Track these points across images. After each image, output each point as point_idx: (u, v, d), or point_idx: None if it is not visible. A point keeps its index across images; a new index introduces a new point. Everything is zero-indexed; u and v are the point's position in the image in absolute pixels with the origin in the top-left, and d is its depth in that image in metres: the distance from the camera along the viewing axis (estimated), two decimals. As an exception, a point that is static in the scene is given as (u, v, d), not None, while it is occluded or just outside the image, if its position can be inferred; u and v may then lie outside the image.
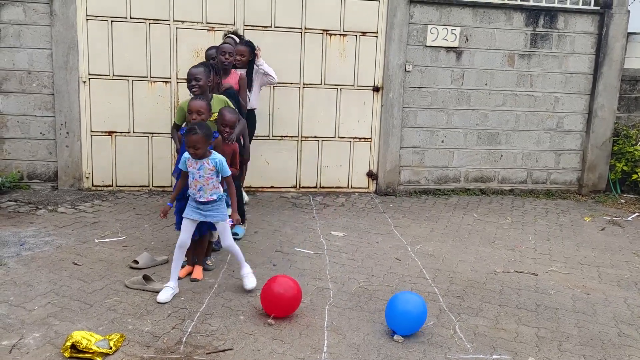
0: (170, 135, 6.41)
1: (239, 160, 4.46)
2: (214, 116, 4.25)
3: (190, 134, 3.58)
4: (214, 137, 3.93)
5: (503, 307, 3.85)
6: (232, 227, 4.03)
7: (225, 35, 5.47)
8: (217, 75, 4.46)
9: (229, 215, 3.89)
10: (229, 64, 4.94)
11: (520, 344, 3.35)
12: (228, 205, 3.98)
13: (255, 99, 5.62)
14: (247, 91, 5.32)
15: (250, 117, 5.54)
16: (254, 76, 5.50)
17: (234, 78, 5.04)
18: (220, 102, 4.37)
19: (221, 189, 3.81)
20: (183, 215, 3.80)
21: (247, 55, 5.37)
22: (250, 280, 3.89)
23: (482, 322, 3.62)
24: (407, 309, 3.29)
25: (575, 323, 3.67)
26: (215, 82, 4.43)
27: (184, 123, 4.27)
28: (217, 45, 5.16)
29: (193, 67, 4.26)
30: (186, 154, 3.73)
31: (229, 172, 3.81)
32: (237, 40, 5.44)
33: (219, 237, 4.02)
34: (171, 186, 6.53)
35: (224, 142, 4.18)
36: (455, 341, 3.35)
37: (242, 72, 5.21)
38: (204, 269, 4.17)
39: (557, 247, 5.24)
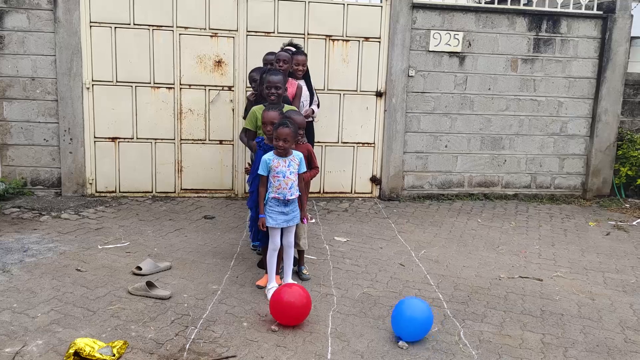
0: (169, 141, 6.43)
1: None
2: None
3: (283, 127, 3.70)
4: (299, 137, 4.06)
5: (508, 313, 3.83)
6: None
7: (283, 45, 5.46)
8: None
9: (302, 215, 4.04)
10: (284, 72, 4.89)
11: (526, 351, 3.33)
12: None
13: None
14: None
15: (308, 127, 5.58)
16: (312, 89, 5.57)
17: (292, 87, 5.03)
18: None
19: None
20: (269, 225, 3.83)
21: (306, 65, 5.41)
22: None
23: (487, 328, 3.60)
24: (414, 315, 3.28)
25: (580, 329, 3.65)
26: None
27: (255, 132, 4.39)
28: (275, 51, 5.17)
29: (272, 73, 4.26)
30: (267, 156, 3.79)
31: (305, 168, 3.97)
32: (294, 50, 5.43)
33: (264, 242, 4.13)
34: (174, 192, 6.53)
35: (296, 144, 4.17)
36: (460, 348, 3.32)
37: (300, 81, 5.21)
38: (303, 279, 4.24)
39: (561, 252, 5.22)
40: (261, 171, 3.81)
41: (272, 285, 3.86)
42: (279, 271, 4.14)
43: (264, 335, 3.34)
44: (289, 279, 3.97)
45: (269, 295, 3.71)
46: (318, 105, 5.70)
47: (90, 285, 3.93)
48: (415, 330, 3.29)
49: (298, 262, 4.36)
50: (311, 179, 4.35)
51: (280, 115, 3.98)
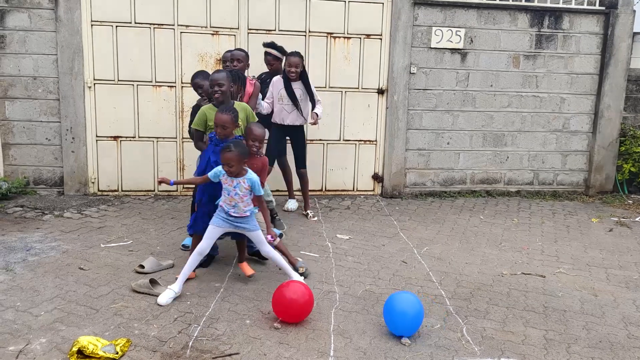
0: (170, 139, 6.43)
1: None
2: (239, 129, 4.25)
3: (226, 151, 3.64)
4: (236, 138, 3.95)
5: (510, 310, 3.82)
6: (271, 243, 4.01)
7: (264, 45, 5.43)
8: (238, 82, 4.45)
9: (268, 232, 3.96)
10: (240, 70, 4.89)
11: (529, 347, 3.33)
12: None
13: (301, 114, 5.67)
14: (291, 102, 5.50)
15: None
16: (312, 90, 5.63)
17: (248, 86, 4.99)
18: (241, 110, 4.28)
19: (252, 205, 3.86)
20: (211, 223, 3.82)
21: (301, 65, 5.45)
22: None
23: (490, 324, 3.59)
24: (402, 308, 3.27)
25: (583, 325, 3.64)
26: (236, 89, 4.42)
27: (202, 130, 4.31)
28: (234, 49, 5.16)
29: (215, 72, 4.25)
30: (220, 169, 3.76)
31: (262, 192, 3.87)
32: (276, 53, 5.41)
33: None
34: (176, 190, 6.53)
35: (251, 156, 4.10)
36: (463, 344, 3.32)
37: (256, 80, 5.17)
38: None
39: (564, 249, 5.21)
40: (211, 175, 3.79)
41: (174, 288, 3.74)
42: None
43: (267, 332, 3.35)
44: (293, 276, 3.93)
45: (161, 300, 3.64)
46: (319, 102, 5.73)
47: (93, 284, 3.94)
48: (407, 324, 3.28)
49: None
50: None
51: (232, 119, 3.88)
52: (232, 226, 3.83)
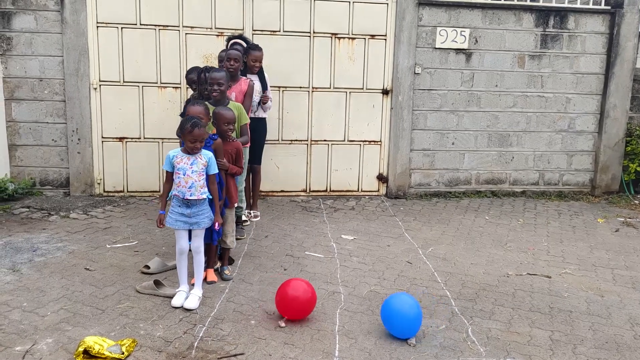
0: (176, 140, 6.45)
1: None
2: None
3: (198, 127, 3.56)
4: (211, 138, 3.94)
5: (516, 310, 3.81)
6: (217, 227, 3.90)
7: (229, 38, 5.43)
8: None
9: (215, 219, 3.81)
10: (234, 70, 4.93)
11: (534, 348, 3.32)
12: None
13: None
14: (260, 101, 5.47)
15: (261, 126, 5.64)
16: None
17: (243, 85, 5.03)
18: (235, 109, 4.39)
19: (207, 189, 3.73)
20: (168, 225, 3.71)
21: (262, 60, 5.45)
22: (192, 301, 3.67)
23: (495, 325, 3.59)
24: (400, 310, 3.26)
25: (589, 326, 3.63)
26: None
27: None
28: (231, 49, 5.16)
29: (215, 71, 4.30)
30: (172, 152, 3.69)
31: (217, 170, 3.79)
32: (245, 45, 5.44)
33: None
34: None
35: (225, 140, 4.10)
36: (468, 345, 3.32)
37: (250, 79, 5.15)
38: (223, 279, 4.12)
39: (570, 249, 5.19)
40: (165, 166, 3.70)
41: (183, 289, 3.74)
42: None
43: (272, 332, 3.35)
44: (198, 288, 3.78)
45: (177, 301, 3.64)
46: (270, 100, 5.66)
47: (99, 284, 3.96)
48: (405, 327, 3.28)
49: (222, 260, 4.24)
50: (233, 175, 4.15)
51: (205, 110, 3.89)
52: (187, 224, 3.68)
